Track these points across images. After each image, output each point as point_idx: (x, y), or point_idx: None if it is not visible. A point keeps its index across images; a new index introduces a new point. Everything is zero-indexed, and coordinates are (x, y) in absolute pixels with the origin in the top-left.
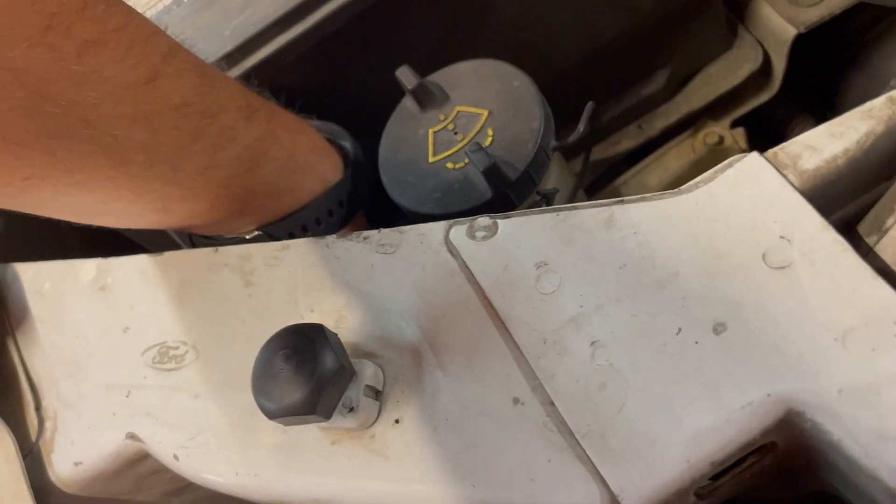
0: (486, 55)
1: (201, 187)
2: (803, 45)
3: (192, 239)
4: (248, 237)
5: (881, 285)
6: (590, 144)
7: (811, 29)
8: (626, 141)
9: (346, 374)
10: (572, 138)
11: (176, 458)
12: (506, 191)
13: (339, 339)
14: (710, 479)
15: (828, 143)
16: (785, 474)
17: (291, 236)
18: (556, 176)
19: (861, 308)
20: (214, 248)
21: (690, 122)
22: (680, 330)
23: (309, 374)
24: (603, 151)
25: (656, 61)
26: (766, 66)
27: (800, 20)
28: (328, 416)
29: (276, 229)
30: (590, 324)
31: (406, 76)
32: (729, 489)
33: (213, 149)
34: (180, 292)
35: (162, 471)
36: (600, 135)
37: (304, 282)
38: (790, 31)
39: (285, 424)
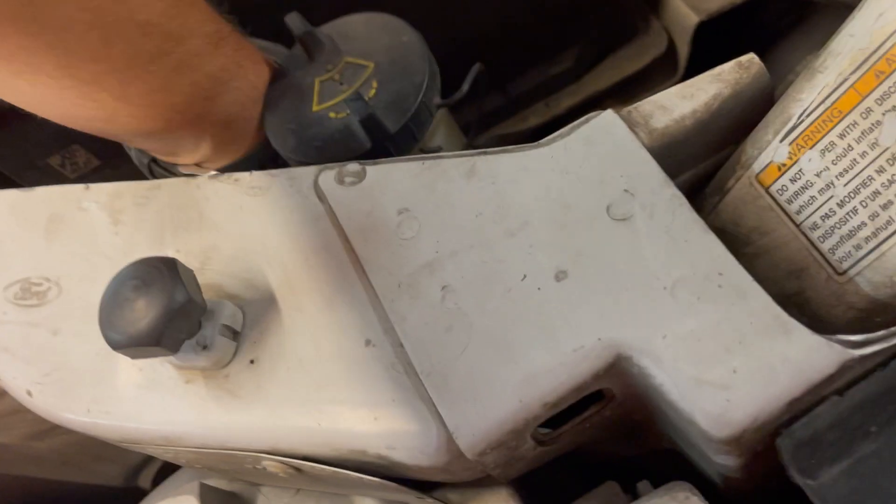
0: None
1: (152, 108)
2: (709, 33)
3: (152, 169)
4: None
5: (711, 239)
6: (481, 108)
7: (713, 17)
8: (534, 118)
9: (195, 308)
10: (455, 97)
11: (29, 394)
12: (385, 143)
13: (193, 275)
14: (549, 426)
15: (678, 103)
16: (627, 428)
17: None
18: (442, 135)
19: (691, 259)
20: (86, 186)
21: (596, 103)
22: (525, 276)
23: (155, 304)
24: (510, 127)
25: (566, 41)
26: (671, 53)
27: (702, 8)
28: (174, 350)
29: (238, 170)
30: (443, 269)
31: (295, 23)
32: (570, 438)
33: (171, 72)
34: (47, 228)
35: (22, 411)
36: (508, 110)
37: (172, 222)
38: (693, 19)
39: (132, 357)
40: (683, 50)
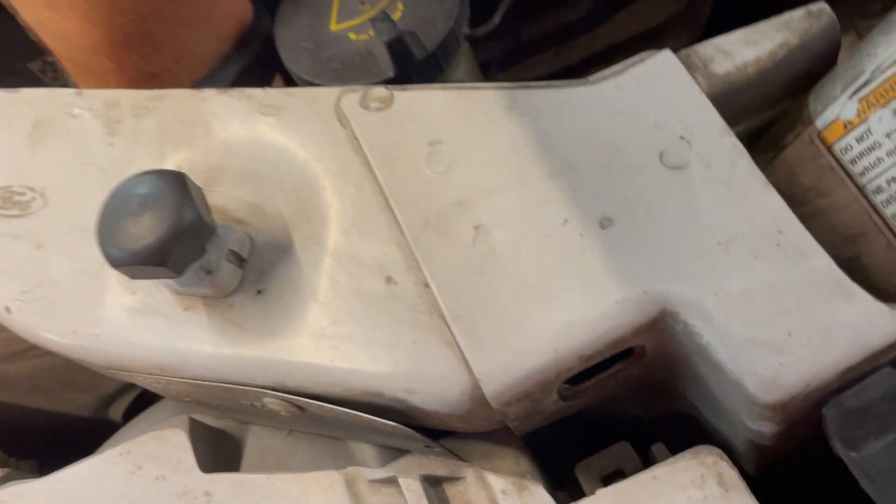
0: None
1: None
2: None
3: None
4: None
5: (772, 194)
6: (514, 40)
7: None
8: (542, 67)
9: (205, 229)
10: (486, 27)
11: (8, 310)
12: (409, 71)
13: (202, 193)
14: (574, 382)
15: (741, 49)
16: (647, 388)
17: None
18: (464, 70)
19: (749, 215)
20: (77, 90)
21: (609, 57)
22: (566, 221)
23: (163, 221)
24: (517, 75)
25: None
26: (690, 10)
27: None
28: (179, 272)
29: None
30: (476, 208)
31: None
32: (593, 393)
33: None
34: (32, 134)
35: None
36: (516, 56)
37: (174, 136)
38: None
39: (131, 277)
40: (703, 8)
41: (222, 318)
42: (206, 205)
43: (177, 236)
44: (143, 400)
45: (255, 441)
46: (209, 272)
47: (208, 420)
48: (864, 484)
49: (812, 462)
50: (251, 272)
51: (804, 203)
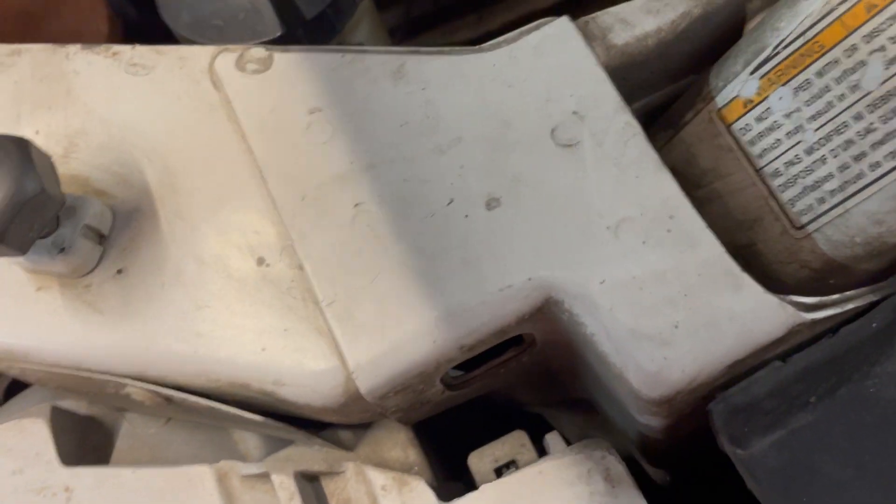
0: None
1: None
2: None
3: None
4: None
5: (665, 177)
6: (409, 9)
7: None
8: (464, 31)
9: (50, 202)
10: None
11: None
12: (299, 31)
13: (50, 161)
14: (461, 368)
15: (642, 18)
16: (542, 376)
17: None
18: (365, 32)
19: (641, 198)
20: None
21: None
22: (451, 201)
23: None
24: (438, 38)
25: None
26: None
27: None
28: (22, 251)
29: None
30: (357, 184)
31: None
32: (482, 383)
33: None
34: None
35: None
36: (435, 19)
37: (32, 96)
38: None
39: None
40: None
41: (78, 299)
42: (55, 175)
43: (15, 210)
44: (20, 382)
45: (129, 430)
46: (62, 250)
47: (80, 406)
48: (750, 483)
49: (705, 453)
50: (112, 249)
51: (701, 185)
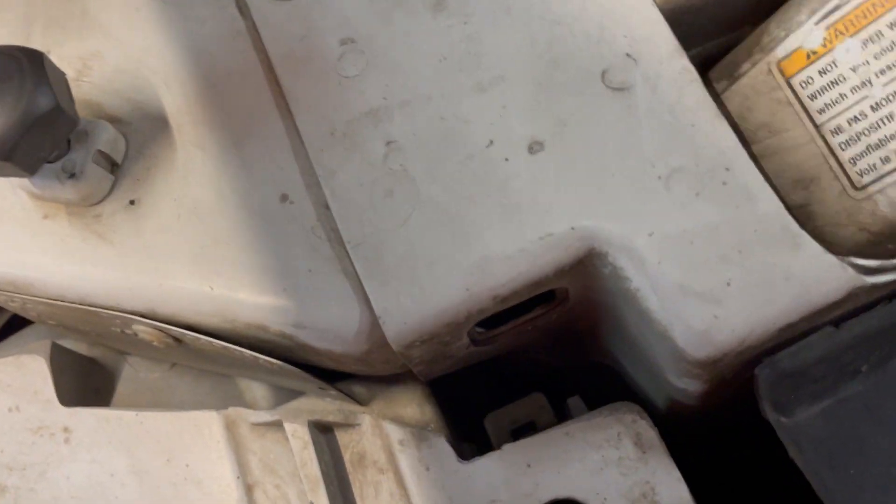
0: None
1: None
2: None
3: None
4: None
5: (722, 127)
6: None
7: None
8: None
9: (64, 120)
10: None
11: None
12: None
13: (64, 78)
14: (487, 325)
15: None
16: (567, 337)
17: None
18: None
19: (695, 148)
20: None
21: None
22: (491, 143)
23: (9, 105)
24: None
25: None
26: None
27: None
28: (31, 171)
29: None
30: (390, 120)
31: None
32: (507, 339)
33: None
34: None
35: None
36: None
37: (44, 15)
38: None
39: None
40: None
41: (87, 229)
42: (69, 93)
43: (25, 126)
44: (18, 322)
45: (132, 374)
46: (73, 175)
47: (81, 347)
48: (793, 452)
49: (737, 425)
50: (125, 179)
51: (755, 141)
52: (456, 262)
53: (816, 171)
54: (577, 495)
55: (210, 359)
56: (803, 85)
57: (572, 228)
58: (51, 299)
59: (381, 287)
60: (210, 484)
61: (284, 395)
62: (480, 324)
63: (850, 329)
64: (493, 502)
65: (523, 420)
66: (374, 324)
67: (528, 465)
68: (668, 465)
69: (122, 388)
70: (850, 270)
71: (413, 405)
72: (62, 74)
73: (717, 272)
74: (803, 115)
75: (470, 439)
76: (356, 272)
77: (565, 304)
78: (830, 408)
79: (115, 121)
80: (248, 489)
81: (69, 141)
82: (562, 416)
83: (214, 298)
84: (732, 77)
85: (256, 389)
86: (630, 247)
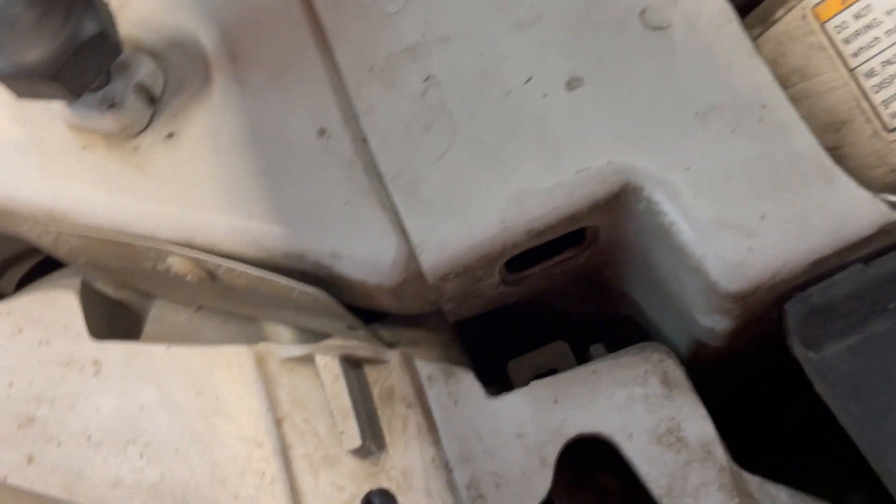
0: None
1: None
2: None
3: None
4: None
5: (759, 65)
6: None
7: None
8: None
9: (109, 46)
10: None
11: None
12: None
13: (109, 7)
14: (517, 268)
15: None
16: (591, 284)
17: None
18: None
19: (733, 85)
20: None
21: None
22: (530, 79)
23: (57, 27)
24: None
25: None
26: None
27: None
28: (76, 93)
29: None
30: (429, 56)
31: None
32: (536, 282)
33: None
34: None
35: None
36: None
37: None
38: None
39: (18, 95)
40: None
41: (125, 161)
42: (114, 21)
43: (74, 49)
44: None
45: (158, 315)
46: (113, 104)
47: (108, 292)
48: (820, 387)
49: (761, 369)
50: (163, 112)
51: (787, 86)
52: (493, 194)
53: (849, 114)
54: (603, 431)
55: (239, 298)
56: (838, 29)
57: (609, 162)
58: (87, 230)
59: (419, 218)
60: (239, 417)
61: (311, 338)
62: (510, 266)
63: (879, 266)
64: (519, 436)
65: (546, 367)
66: (410, 255)
67: (555, 401)
68: (693, 403)
69: (149, 329)
70: (883, 206)
71: (439, 347)
72: (106, 3)
73: (751, 206)
74: (837, 59)
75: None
76: (393, 204)
77: (594, 247)
78: (858, 344)
79: (154, 56)
80: (278, 422)
81: (109, 72)
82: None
83: (251, 229)
84: (766, 24)
85: (283, 333)
86: (666, 181)
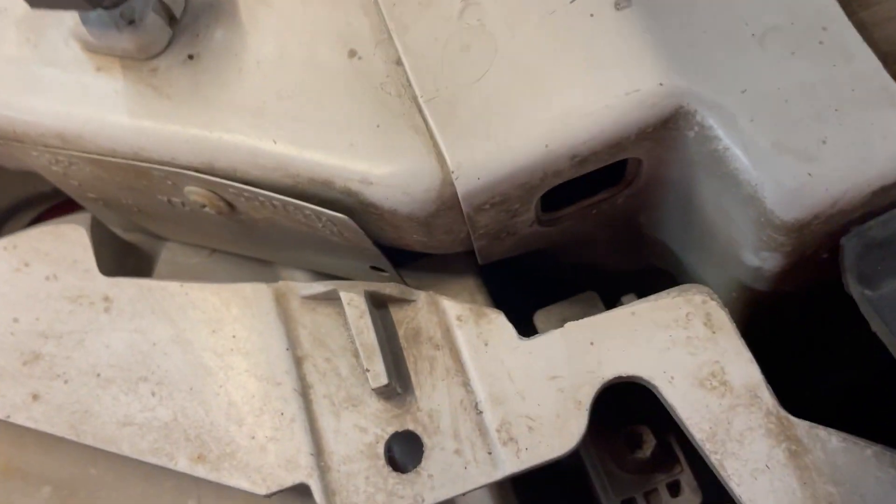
0: None
1: None
2: None
3: None
4: None
5: None
6: None
7: None
8: None
9: None
10: None
11: None
12: None
13: None
14: (553, 207)
15: None
16: (625, 231)
17: None
18: None
19: (790, 6)
20: None
21: None
22: None
23: None
24: None
25: None
26: None
27: None
28: (93, 2)
29: None
30: None
31: None
32: (570, 224)
33: None
34: None
35: None
36: None
37: None
38: None
39: (32, 5)
40: None
41: (142, 82)
42: None
43: None
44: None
45: (170, 257)
46: (131, 21)
47: (119, 233)
48: (877, 326)
49: (807, 316)
50: (183, 34)
51: (854, 12)
52: (535, 117)
53: None
54: (643, 373)
55: (258, 236)
56: None
57: (661, 84)
58: (101, 155)
59: (456, 141)
60: (257, 355)
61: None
62: (545, 204)
63: None
64: (554, 378)
65: (575, 317)
66: (445, 181)
67: (592, 343)
68: (738, 346)
69: (160, 270)
70: None
71: (465, 293)
72: None
73: (812, 130)
74: None
75: None
76: (428, 127)
77: (634, 185)
78: None
79: None
80: (298, 361)
81: None
82: None
83: (277, 153)
84: None
85: (299, 278)
86: (721, 104)
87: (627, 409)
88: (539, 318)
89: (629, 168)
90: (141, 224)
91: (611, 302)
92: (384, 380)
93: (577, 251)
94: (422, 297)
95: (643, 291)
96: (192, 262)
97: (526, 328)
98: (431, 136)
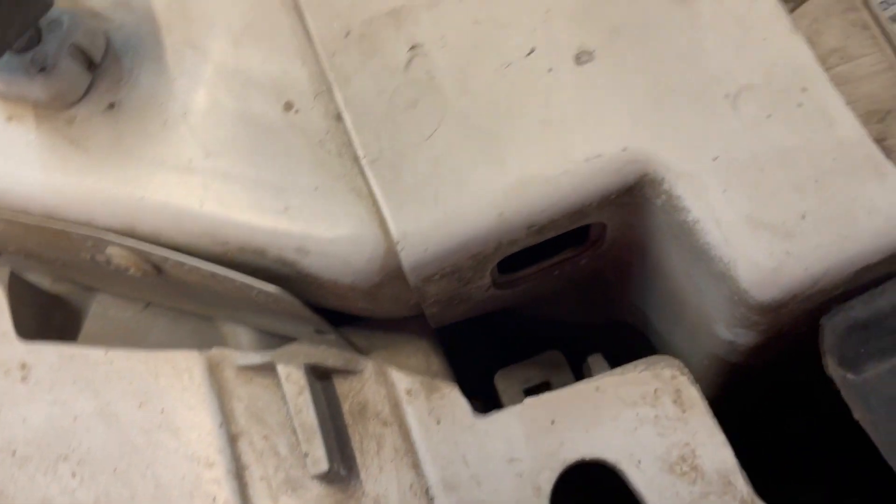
0: None
1: None
2: None
3: None
4: None
5: (798, 43)
6: None
7: None
8: None
9: None
10: None
11: None
12: None
13: None
14: (510, 268)
15: None
16: (591, 289)
17: None
18: None
19: (768, 64)
20: None
21: None
22: (533, 51)
23: None
24: None
25: None
26: None
27: None
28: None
29: None
30: (416, 22)
31: None
32: (530, 285)
33: None
34: None
35: None
36: None
37: None
38: None
39: None
40: None
41: (58, 134)
42: None
43: None
44: None
45: (100, 312)
46: (43, 68)
47: (44, 284)
48: (859, 412)
49: (781, 391)
50: (104, 80)
51: (825, 69)
52: (488, 182)
53: (895, 101)
54: (608, 456)
55: (192, 294)
56: (884, 5)
57: (624, 149)
58: (13, 213)
59: (401, 207)
60: (188, 433)
61: (274, 342)
62: (502, 266)
63: None
64: (511, 461)
65: (538, 379)
66: (389, 251)
67: (553, 422)
68: (710, 427)
69: (88, 329)
70: None
71: (418, 355)
72: None
73: (790, 203)
74: (881, 38)
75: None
76: (370, 192)
77: (599, 246)
78: None
79: (96, 17)
80: (232, 439)
81: (40, 31)
82: (579, 377)
83: (204, 216)
84: None
85: (242, 335)
86: (691, 172)
87: (591, 492)
88: (499, 379)
89: (592, 231)
90: (68, 276)
91: (578, 357)
92: (324, 466)
93: (540, 308)
94: (369, 367)
95: (612, 346)
96: (125, 317)
97: (486, 386)
98: (374, 202)
